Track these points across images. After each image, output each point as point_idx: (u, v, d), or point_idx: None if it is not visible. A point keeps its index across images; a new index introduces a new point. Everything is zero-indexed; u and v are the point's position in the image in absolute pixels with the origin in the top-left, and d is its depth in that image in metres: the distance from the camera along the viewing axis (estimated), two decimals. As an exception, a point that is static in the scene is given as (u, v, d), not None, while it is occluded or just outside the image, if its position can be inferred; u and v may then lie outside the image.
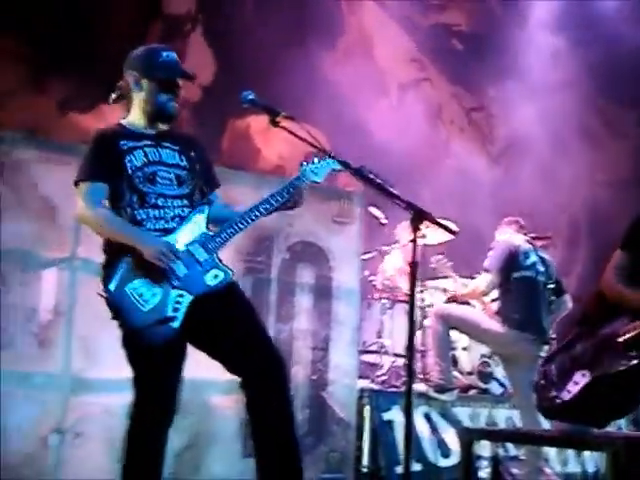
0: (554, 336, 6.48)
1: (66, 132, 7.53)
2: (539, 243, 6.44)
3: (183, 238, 3.59)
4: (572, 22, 10.85)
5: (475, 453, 6.14)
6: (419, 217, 3.28)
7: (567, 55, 11.02)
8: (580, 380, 3.50)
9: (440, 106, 10.81)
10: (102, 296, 3.55)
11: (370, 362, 7.16)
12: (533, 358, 6.12)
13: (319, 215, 6.21)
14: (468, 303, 6.83)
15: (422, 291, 7.04)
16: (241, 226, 3.71)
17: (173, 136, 3.83)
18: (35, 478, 5.03)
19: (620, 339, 3.46)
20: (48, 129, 7.52)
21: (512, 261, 6.18)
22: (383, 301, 7.22)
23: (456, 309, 6.48)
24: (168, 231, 3.58)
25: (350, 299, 6.28)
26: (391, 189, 3.32)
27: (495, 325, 6.20)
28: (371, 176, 3.31)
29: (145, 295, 3.49)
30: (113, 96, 3.84)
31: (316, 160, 3.79)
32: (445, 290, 7.35)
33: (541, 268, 6.23)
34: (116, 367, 5.30)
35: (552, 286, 6.31)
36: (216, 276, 3.57)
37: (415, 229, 3.27)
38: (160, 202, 3.61)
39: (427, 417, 6.18)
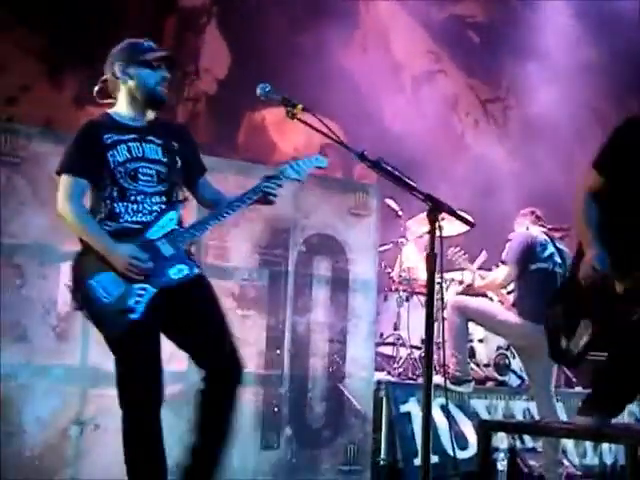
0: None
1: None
2: (557, 234, 6.41)
3: (155, 233, 3.71)
4: (590, 10, 10.78)
5: (492, 445, 6.13)
6: (437, 209, 3.27)
7: (585, 44, 10.96)
8: (584, 332, 3.52)
9: (456, 98, 10.77)
10: (68, 286, 3.71)
11: (387, 354, 7.17)
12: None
13: (335, 207, 6.21)
14: (485, 295, 6.83)
15: (440, 283, 7.02)
16: (211, 224, 3.85)
17: (158, 127, 3.88)
18: (55, 468, 5.07)
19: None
20: (65, 122, 7.53)
21: (529, 253, 6.17)
22: (400, 293, 7.21)
23: (473, 301, 6.47)
24: (144, 224, 3.70)
25: (367, 291, 6.28)
26: (409, 181, 3.31)
27: (512, 317, 6.19)
28: (389, 168, 3.30)
29: (109, 288, 3.61)
30: (96, 89, 3.93)
31: (300, 161, 4.03)
32: (461, 282, 7.35)
33: (558, 260, 6.21)
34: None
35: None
36: (180, 270, 3.70)
37: (433, 221, 3.26)
38: (139, 198, 3.71)
39: (444, 409, 6.17)
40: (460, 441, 6.23)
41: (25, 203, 5.06)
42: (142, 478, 3.78)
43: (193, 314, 3.78)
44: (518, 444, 6.56)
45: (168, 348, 5.45)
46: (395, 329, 7.18)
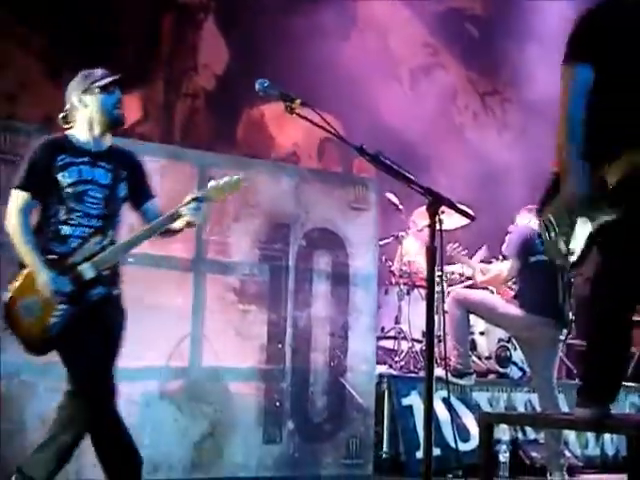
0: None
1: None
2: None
3: (79, 257, 3.90)
4: (591, 3, 10.75)
5: (494, 437, 6.14)
6: (437, 202, 3.27)
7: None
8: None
9: (454, 91, 10.76)
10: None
11: (388, 348, 7.19)
12: (552, 341, 6.12)
13: (335, 202, 6.22)
14: (486, 288, 6.83)
15: (440, 276, 7.04)
16: (130, 247, 4.12)
17: (112, 153, 4.08)
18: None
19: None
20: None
21: (528, 246, 6.17)
22: (401, 287, 7.22)
23: (473, 293, 6.49)
24: (79, 246, 3.91)
25: (367, 285, 6.30)
26: (408, 174, 3.31)
27: (512, 309, 6.21)
28: (388, 162, 3.30)
29: (32, 307, 3.88)
30: (60, 116, 4.10)
31: (219, 181, 4.16)
32: (461, 275, 7.36)
33: None
34: (134, 356, 5.37)
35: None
36: (98, 292, 3.94)
37: (433, 214, 3.27)
38: (85, 221, 3.91)
39: (446, 402, 6.18)
40: (462, 434, 6.25)
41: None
42: None
43: (99, 337, 3.98)
44: (520, 436, 6.58)
45: (167, 345, 5.50)
46: (396, 322, 7.20)
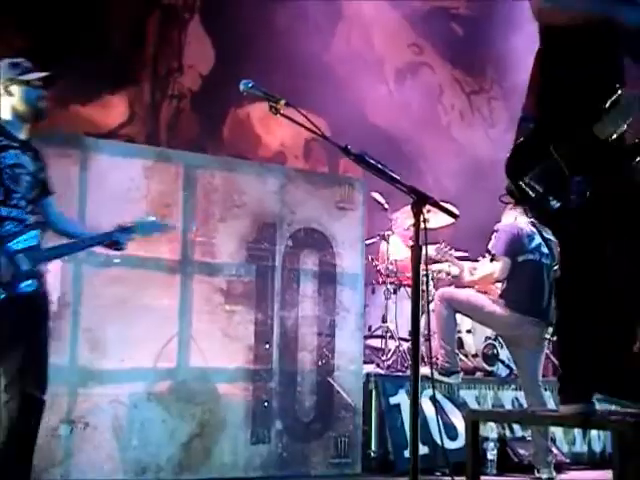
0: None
1: (66, 124, 7.53)
2: (544, 223, 6.41)
3: (17, 245, 3.95)
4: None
5: (482, 435, 6.17)
6: (421, 201, 3.28)
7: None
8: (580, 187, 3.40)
9: (440, 90, 10.79)
10: None
11: (376, 347, 7.20)
12: (537, 340, 6.16)
13: (321, 202, 6.23)
14: (472, 287, 6.84)
15: (426, 275, 7.05)
16: (65, 254, 4.33)
17: (30, 144, 4.18)
18: (45, 467, 5.07)
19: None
20: (48, 122, 7.50)
21: (516, 245, 6.20)
22: (387, 286, 7.24)
23: (460, 292, 6.50)
24: (17, 233, 3.95)
25: (354, 285, 6.31)
26: (392, 173, 3.32)
27: (498, 308, 6.23)
28: (372, 161, 3.31)
29: None
30: None
31: (149, 222, 4.39)
32: (448, 274, 7.38)
33: (545, 250, 6.24)
34: (121, 358, 5.38)
35: (557, 267, 6.31)
36: (29, 285, 3.95)
37: (417, 213, 3.28)
38: (22, 203, 3.99)
39: (434, 400, 6.19)
40: (450, 432, 6.26)
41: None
42: None
43: (24, 329, 4.00)
44: (508, 433, 6.60)
45: (154, 346, 5.50)
46: (383, 321, 7.20)
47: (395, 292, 7.24)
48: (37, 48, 7.69)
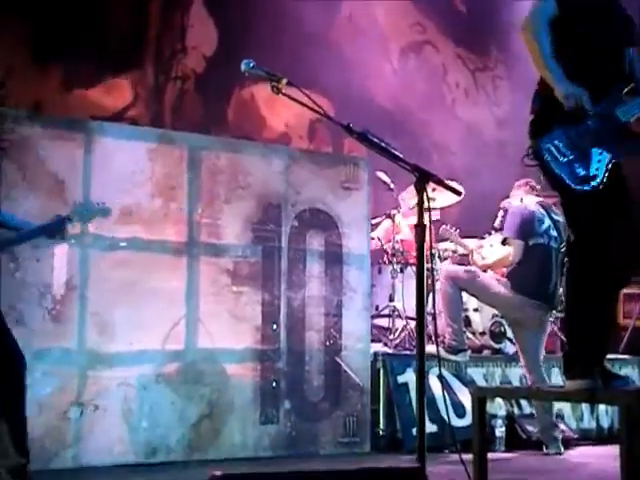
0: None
1: (71, 108, 7.53)
2: (551, 201, 6.40)
3: None
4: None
5: (490, 412, 6.19)
6: (424, 179, 3.28)
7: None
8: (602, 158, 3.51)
9: (445, 68, 10.74)
10: None
11: (383, 326, 7.20)
12: (540, 323, 6.18)
13: (326, 182, 6.22)
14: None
15: (431, 254, 7.06)
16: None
17: None
18: (56, 450, 5.11)
19: None
20: (52, 106, 7.52)
21: (528, 228, 6.19)
22: (394, 265, 7.24)
23: (464, 271, 6.50)
24: None
25: (361, 264, 6.31)
26: (395, 151, 3.31)
27: (503, 289, 6.25)
28: (375, 140, 3.30)
29: None
30: None
31: (87, 207, 4.54)
32: (455, 252, 7.37)
33: (554, 233, 6.23)
34: (129, 341, 5.41)
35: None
36: None
37: (421, 191, 3.27)
38: None
39: (441, 378, 6.21)
40: (458, 409, 6.27)
41: (15, 187, 5.07)
42: None
43: None
44: (516, 410, 6.61)
45: (162, 328, 5.52)
46: (390, 301, 7.21)
47: (402, 271, 7.23)
48: (39, 33, 7.70)
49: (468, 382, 6.49)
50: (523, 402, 6.62)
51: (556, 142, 3.56)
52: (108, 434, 5.29)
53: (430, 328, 6.18)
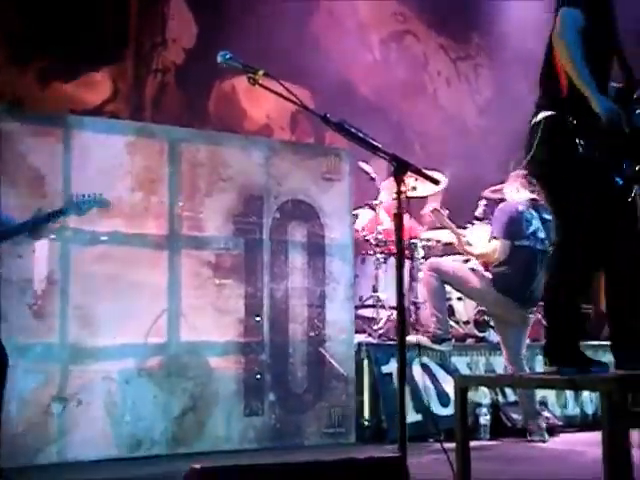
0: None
1: (51, 102, 7.48)
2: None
3: None
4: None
5: (474, 401, 6.22)
6: (402, 168, 3.28)
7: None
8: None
9: (426, 57, 10.73)
10: None
11: (367, 316, 7.20)
12: (523, 319, 6.22)
13: (308, 173, 6.21)
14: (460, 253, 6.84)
15: (415, 245, 7.07)
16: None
17: None
18: (40, 446, 5.09)
19: None
20: (32, 100, 7.47)
21: (515, 228, 6.19)
22: (377, 256, 7.23)
23: (447, 264, 6.52)
24: None
25: (343, 255, 6.31)
26: (373, 141, 3.31)
27: (484, 284, 6.27)
28: (352, 129, 3.30)
29: None
30: None
31: (85, 196, 4.62)
32: (438, 242, 7.37)
33: (541, 235, 6.23)
34: (112, 334, 5.39)
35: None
36: None
37: (399, 180, 3.27)
38: None
39: (425, 367, 6.23)
40: (442, 399, 6.29)
41: (-5, 182, 5.05)
42: None
43: None
44: (500, 398, 6.64)
45: (145, 322, 5.51)
46: (374, 291, 7.20)
47: (385, 262, 7.23)
48: (17, 28, 7.64)
49: (452, 371, 6.51)
50: (507, 390, 6.64)
51: None
52: (92, 428, 5.28)
53: (414, 317, 6.19)
